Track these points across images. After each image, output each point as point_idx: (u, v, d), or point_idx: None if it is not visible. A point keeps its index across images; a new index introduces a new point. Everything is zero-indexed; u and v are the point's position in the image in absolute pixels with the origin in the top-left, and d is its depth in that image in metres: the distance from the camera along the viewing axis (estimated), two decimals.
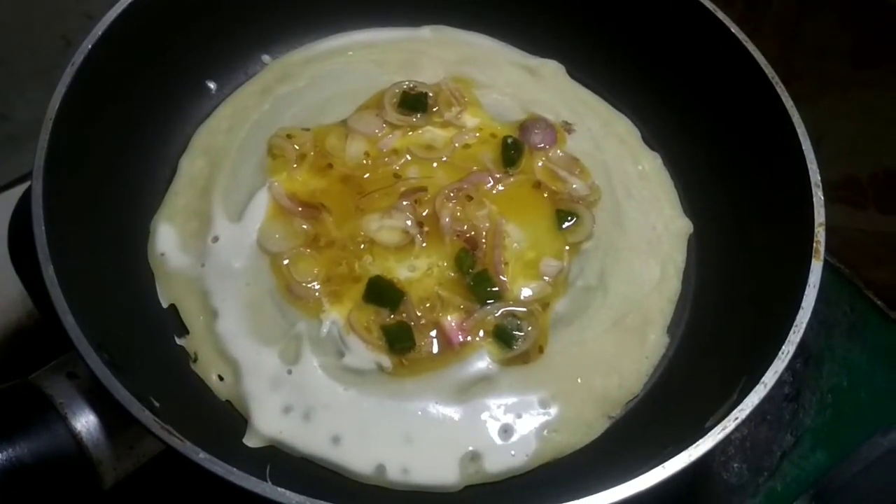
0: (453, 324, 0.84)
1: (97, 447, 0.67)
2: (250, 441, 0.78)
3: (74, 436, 0.67)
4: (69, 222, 0.76)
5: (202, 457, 0.63)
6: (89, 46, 0.83)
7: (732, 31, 0.93)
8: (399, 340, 0.83)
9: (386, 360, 0.82)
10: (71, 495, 0.68)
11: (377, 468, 0.77)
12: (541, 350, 0.85)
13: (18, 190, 1.03)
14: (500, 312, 0.86)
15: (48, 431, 0.66)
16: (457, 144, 0.97)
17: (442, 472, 0.78)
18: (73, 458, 0.67)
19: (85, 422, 0.67)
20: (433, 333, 0.84)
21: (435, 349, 0.83)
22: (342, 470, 0.78)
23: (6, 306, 1.07)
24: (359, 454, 0.78)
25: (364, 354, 0.82)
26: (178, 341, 0.84)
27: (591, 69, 1.08)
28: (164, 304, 0.86)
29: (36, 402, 0.68)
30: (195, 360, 0.83)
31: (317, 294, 0.85)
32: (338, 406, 0.80)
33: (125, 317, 0.80)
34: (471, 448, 0.79)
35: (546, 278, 0.89)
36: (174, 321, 0.85)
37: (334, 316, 0.84)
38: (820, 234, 0.80)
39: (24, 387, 0.69)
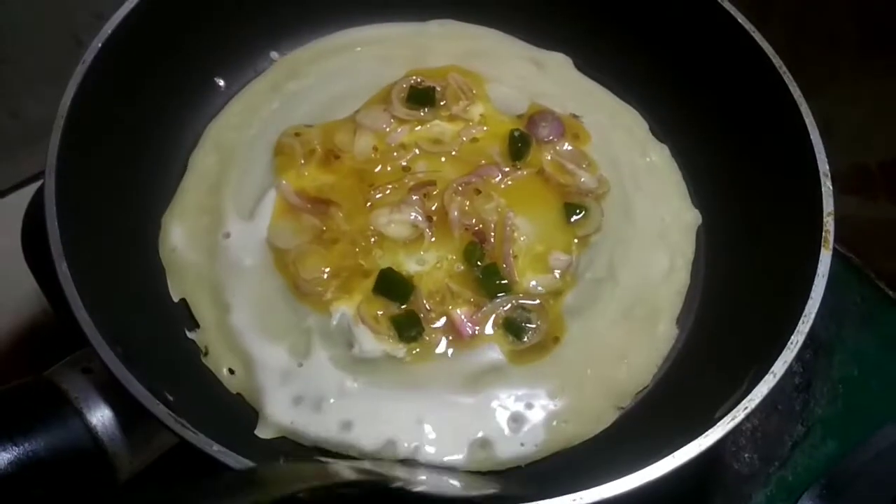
0: (463, 316, 0.85)
1: (113, 441, 0.68)
2: (262, 432, 0.79)
3: (90, 430, 0.67)
4: (82, 219, 0.77)
5: (216, 449, 0.64)
6: (99, 45, 0.84)
7: (739, 21, 0.93)
8: (408, 328, 0.83)
9: (398, 351, 0.82)
10: (87, 489, 0.68)
11: (387, 444, 0.78)
12: (556, 340, 0.85)
13: (31, 189, 1.03)
14: (509, 306, 0.86)
15: (64, 426, 0.67)
16: (464, 138, 0.97)
17: (451, 456, 0.79)
18: (90, 453, 0.67)
19: (100, 416, 0.68)
20: (442, 324, 0.84)
21: (445, 342, 0.84)
22: (353, 450, 0.78)
23: (21, 303, 1.08)
24: (369, 436, 0.79)
25: (373, 344, 0.82)
26: (189, 335, 0.85)
27: (598, 61, 1.07)
28: (175, 299, 0.87)
29: (52, 397, 0.68)
30: (206, 354, 0.83)
31: (324, 290, 0.85)
32: (348, 396, 0.81)
33: (137, 312, 0.80)
34: (481, 435, 0.80)
35: (555, 272, 0.89)
36: (185, 316, 0.86)
37: (344, 308, 0.84)
38: (829, 223, 0.80)
39: (39, 382, 0.70)
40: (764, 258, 0.88)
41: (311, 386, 0.81)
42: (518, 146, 0.96)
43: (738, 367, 0.76)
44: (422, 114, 0.98)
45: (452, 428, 0.80)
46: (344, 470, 0.60)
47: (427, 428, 0.79)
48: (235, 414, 0.80)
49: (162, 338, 0.82)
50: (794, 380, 1.00)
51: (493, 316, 0.85)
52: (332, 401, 0.80)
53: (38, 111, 1.17)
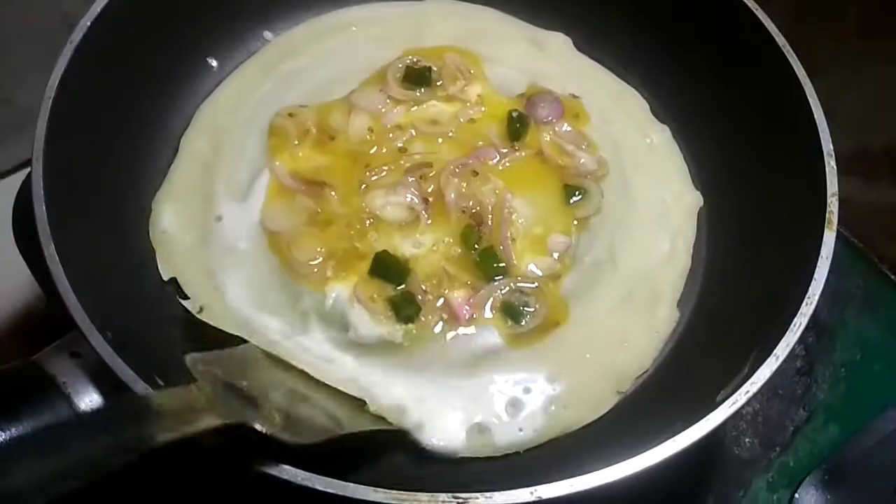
0: (460, 300, 0.83)
1: None
2: None
3: (78, 415, 0.66)
4: (70, 202, 0.76)
5: None
6: (87, 24, 0.83)
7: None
8: (404, 308, 0.82)
9: (396, 336, 0.81)
10: None
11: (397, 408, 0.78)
12: (555, 324, 0.84)
13: (23, 174, 1.02)
14: (507, 289, 0.85)
15: (52, 411, 0.66)
16: (462, 119, 0.95)
17: (449, 441, 0.78)
18: None
19: (88, 401, 0.67)
20: (439, 305, 0.83)
21: (441, 325, 0.82)
22: (365, 394, 0.78)
23: (14, 289, 1.07)
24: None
25: (369, 328, 0.81)
26: (184, 303, 0.83)
27: (599, 42, 1.06)
28: (166, 278, 0.85)
29: (39, 381, 0.67)
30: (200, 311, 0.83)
31: (319, 272, 0.83)
32: (348, 373, 0.80)
33: (127, 296, 0.79)
34: (478, 419, 0.79)
35: (554, 254, 0.88)
36: (176, 300, 0.84)
37: (339, 288, 0.82)
38: (833, 204, 0.79)
39: (27, 367, 0.69)
40: (766, 239, 0.87)
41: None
42: (516, 127, 0.94)
43: (740, 350, 0.75)
44: (418, 94, 0.96)
45: (450, 412, 0.79)
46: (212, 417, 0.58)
47: (425, 410, 0.78)
48: None
49: (152, 322, 0.81)
50: (796, 363, 0.99)
51: (491, 299, 0.84)
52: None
53: (29, 97, 1.15)
